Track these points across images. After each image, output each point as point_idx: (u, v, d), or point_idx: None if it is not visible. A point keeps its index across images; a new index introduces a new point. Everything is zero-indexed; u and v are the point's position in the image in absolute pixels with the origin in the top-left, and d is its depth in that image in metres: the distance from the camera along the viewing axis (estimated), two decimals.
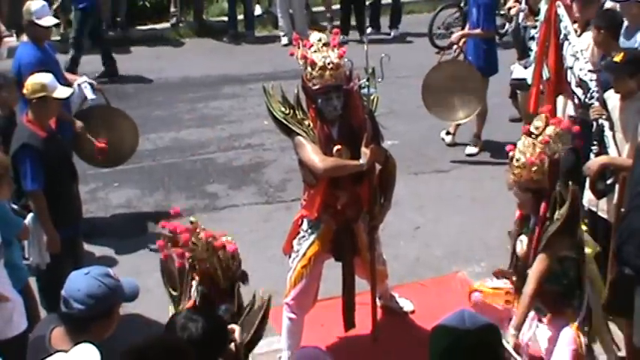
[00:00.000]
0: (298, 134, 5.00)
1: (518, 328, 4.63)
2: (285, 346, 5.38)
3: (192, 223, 4.07)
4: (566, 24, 5.91)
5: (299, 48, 4.99)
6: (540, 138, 4.70)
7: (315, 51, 4.94)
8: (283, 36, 12.35)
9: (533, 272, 4.69)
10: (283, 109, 5.08)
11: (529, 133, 4.76)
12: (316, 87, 4.92)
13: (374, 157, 5.01)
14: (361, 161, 4.95)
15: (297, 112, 5.08)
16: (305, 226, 5.28)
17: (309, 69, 4.93)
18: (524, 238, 4.84)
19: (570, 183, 4.66)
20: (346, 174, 5.04)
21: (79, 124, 6.80)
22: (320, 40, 4.99)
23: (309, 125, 5.03)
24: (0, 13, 11.50)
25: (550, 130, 4.72)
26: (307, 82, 4.97)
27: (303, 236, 5.28)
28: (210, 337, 3.29)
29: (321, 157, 4.94)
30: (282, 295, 5.38)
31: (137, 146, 7.53)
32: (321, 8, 13.30)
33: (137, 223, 7.45)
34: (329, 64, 4.87)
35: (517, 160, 4.69)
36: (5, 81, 6.19)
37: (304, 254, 5.24)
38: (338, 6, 12.83)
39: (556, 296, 4.79)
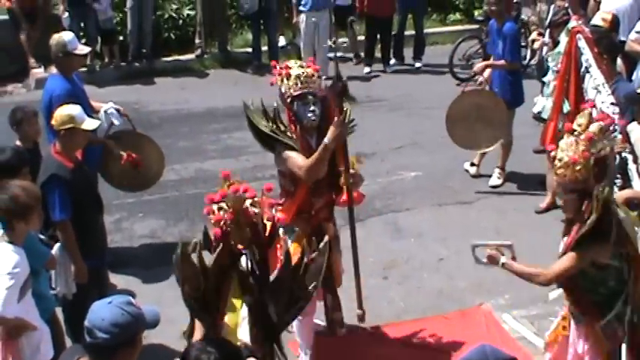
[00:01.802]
0: (285, 145, 5.26)
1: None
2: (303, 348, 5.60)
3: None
4: (588, 57, 5.91)
5: (279, 75, 5.32)
6: (583, 135, 4.48)
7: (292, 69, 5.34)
8: None
9: (557, 264, 4.50)
10: (265, 122, 5.37)
11: (571, 131, 4.54)
12: (294, 94, 5.24)
13: (337, 131, 5.13)
14: (325, 140, 5.14)
15: (279, 125, 5.37)
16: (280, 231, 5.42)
17: (285, 81, 5.28)
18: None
19: (606, 188, 4.40)
20: (325, 167, 5.23)
21: (110, 142, 6.91)
22: (296, 63, 5.43)
23: (291, 137, 5.31)
24: (29, 45, 11.70)
25: (594, 126, 4.55)
26: (285, 95, 5.28)
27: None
28: None
29: (304, 162, 5.19)
30: None
31: (163, 170, 7.56)
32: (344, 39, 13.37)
33: (161, 254, 7.43)
34: (303, 73, 5.29)
35: (560, 160, 4.44)
36: (25, 115, 6.26)
37: None
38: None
39: (590, 305, 4.57)
